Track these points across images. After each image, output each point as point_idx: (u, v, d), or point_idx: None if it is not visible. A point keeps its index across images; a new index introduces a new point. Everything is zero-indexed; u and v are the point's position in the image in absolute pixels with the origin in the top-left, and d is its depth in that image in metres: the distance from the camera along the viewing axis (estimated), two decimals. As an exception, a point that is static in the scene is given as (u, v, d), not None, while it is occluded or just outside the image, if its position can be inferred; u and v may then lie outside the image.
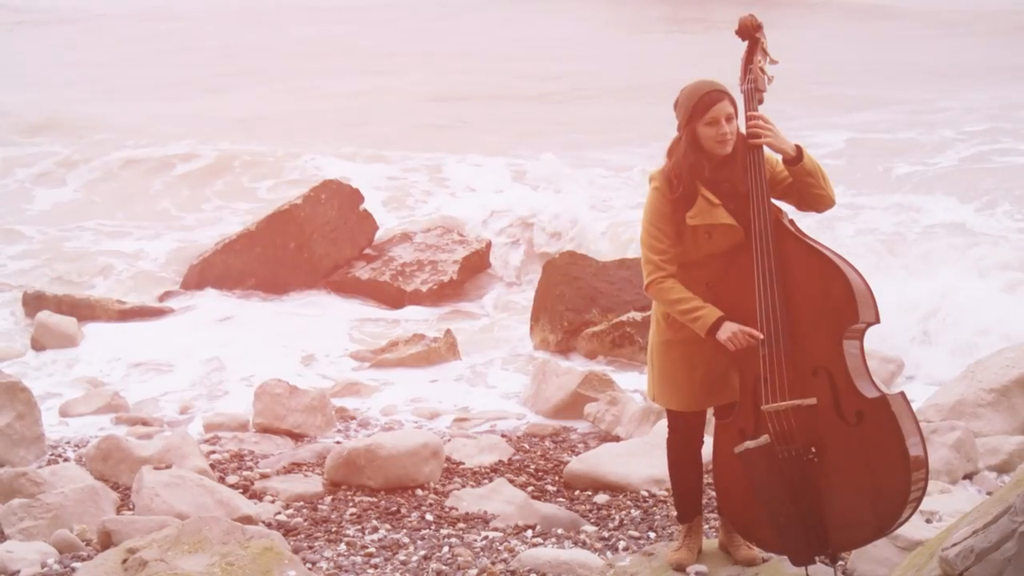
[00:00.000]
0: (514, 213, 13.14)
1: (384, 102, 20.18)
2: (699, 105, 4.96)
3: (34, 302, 11.33)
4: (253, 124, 18.07)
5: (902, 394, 4.98)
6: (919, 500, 4.93)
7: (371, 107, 19.84)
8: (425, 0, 33.64)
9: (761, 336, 4.90)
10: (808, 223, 5.50)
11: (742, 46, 5.18)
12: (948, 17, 26.75)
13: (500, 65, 23.52)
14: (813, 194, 5.05)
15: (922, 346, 9.54)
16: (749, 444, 4.92)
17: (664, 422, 7.80)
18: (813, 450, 4.89)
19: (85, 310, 11.28)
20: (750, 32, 5.13)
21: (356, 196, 12.86)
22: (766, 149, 5.04)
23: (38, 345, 10.58)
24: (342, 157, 15.44)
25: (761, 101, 5.07)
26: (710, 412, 5.34)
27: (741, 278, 4.97)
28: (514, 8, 32.18)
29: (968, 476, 7.22)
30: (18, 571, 6.06)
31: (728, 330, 4.93)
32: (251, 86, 21.89)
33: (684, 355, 5.09)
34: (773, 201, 5.06)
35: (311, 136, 16.95)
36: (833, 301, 4.87)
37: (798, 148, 4.99)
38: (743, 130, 5.04)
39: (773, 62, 5.15)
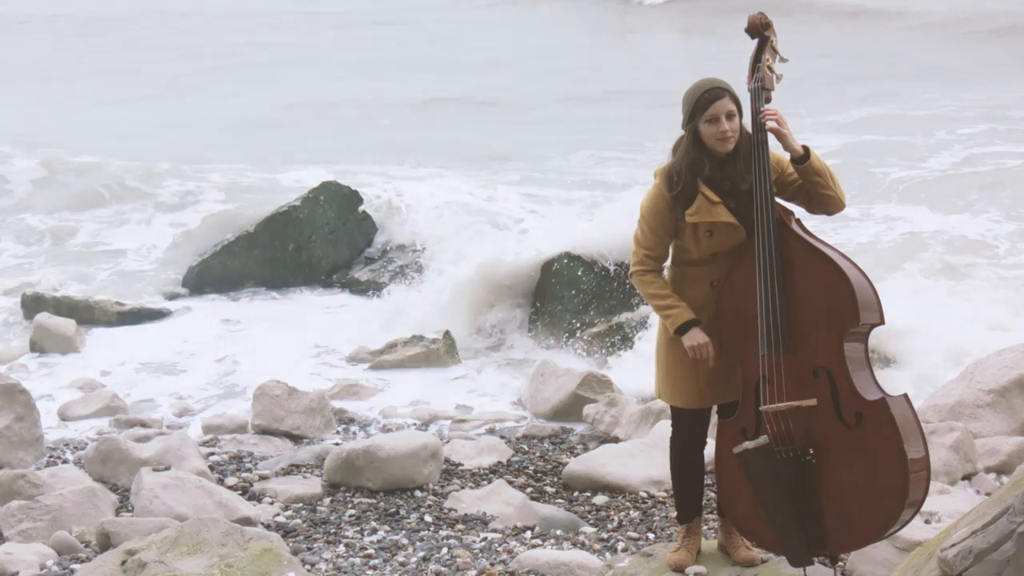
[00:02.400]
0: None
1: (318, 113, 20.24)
2: (699, 102, 4.98)
3: (33, 304, 11.33)
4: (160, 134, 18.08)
5: (905, 396, 4.95)
6: (920, 502, 4.90)
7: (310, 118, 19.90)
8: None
9: (712, 364, 4.95)
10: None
11: (751, 44, 5.17)
12: (947, 17, 26.77)
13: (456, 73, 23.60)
14: (821, 195, 5.04)
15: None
16: (748, 445, 4.92)
17: (663, 423, 7.84)
18: (811, 451, 4.88)
19: (84, 312, 11.28)
20: (759, 30, 5.13)
21: (355, 198, 12.87)
22: (776, 149, 5.04)
23: (37, 347, 10.58)
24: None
25: (768, 100, 5.06)
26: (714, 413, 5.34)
27: (745, 277, 4.97)
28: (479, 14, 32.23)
29: (967, 477, 7.23)
30: (17, 573, 6.06)
31: (694, 338, 5.00)
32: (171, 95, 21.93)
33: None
34: (782, 202, 5.06)
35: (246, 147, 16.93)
36: (834, 302, 4.86)
37: (805, 148, 4.99)
38: (748, 129, 5.03)
39: (783, 60, 5.14)
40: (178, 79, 23.62)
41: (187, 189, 14.05)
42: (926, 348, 9.24)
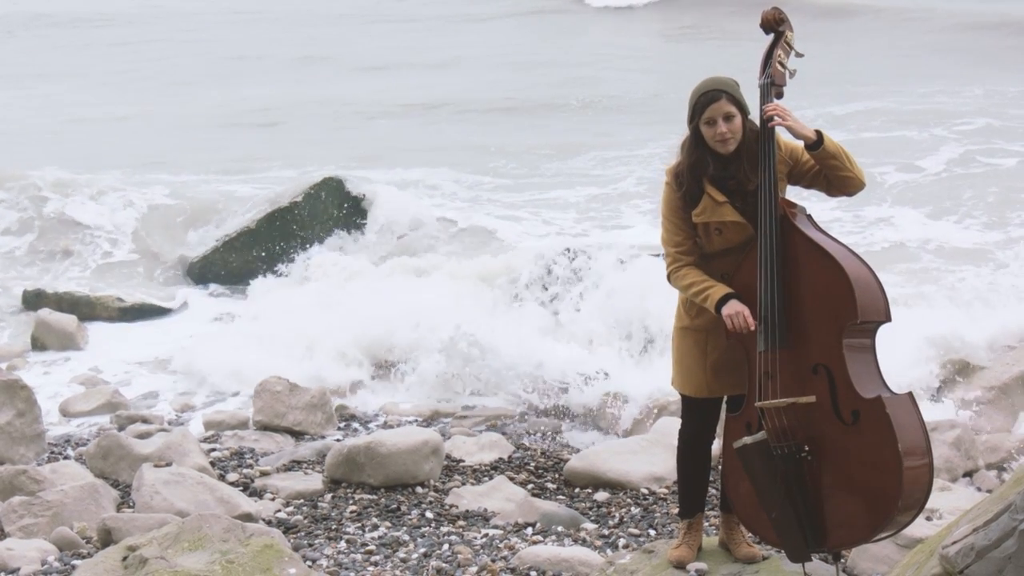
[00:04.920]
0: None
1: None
2: (698, 104, 4.98)
3: (34, 300, 11.34)
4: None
5: (909, 395, 4.91)
6: (919, 504, 4.85)
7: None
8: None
9: (753, 328, 4.92)
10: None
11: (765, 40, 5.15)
12: (939, 12, 26.75)
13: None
14: (839, 177, 5.02)
15: None
16: (747, 439, 4.92)
17: (664, 420, 7.86)
18: (806, 448, 4.87)
19: (85, 308, 11.29)
20: (772, 26, 5.11)
21: (356, 194, 12.86)
22: (789, 139, 5.02)
23: (38, 343, 10.59)
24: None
25: (779, 96, 5.04)
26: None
27: (751, 273, 4.96)
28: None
29: (968, 474, 7.23)
30: (18, 569, 6.06)
31: (731, 308, 4.94)
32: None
33: (698, 342, 5.11)
34: (791, 195, 5.04)
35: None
36: (833, 299, 4.84)
37: (818, 133, 4.97)
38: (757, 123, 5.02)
39: (799, 55, 5.12)
40: (173, 77, 23.61)
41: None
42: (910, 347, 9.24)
